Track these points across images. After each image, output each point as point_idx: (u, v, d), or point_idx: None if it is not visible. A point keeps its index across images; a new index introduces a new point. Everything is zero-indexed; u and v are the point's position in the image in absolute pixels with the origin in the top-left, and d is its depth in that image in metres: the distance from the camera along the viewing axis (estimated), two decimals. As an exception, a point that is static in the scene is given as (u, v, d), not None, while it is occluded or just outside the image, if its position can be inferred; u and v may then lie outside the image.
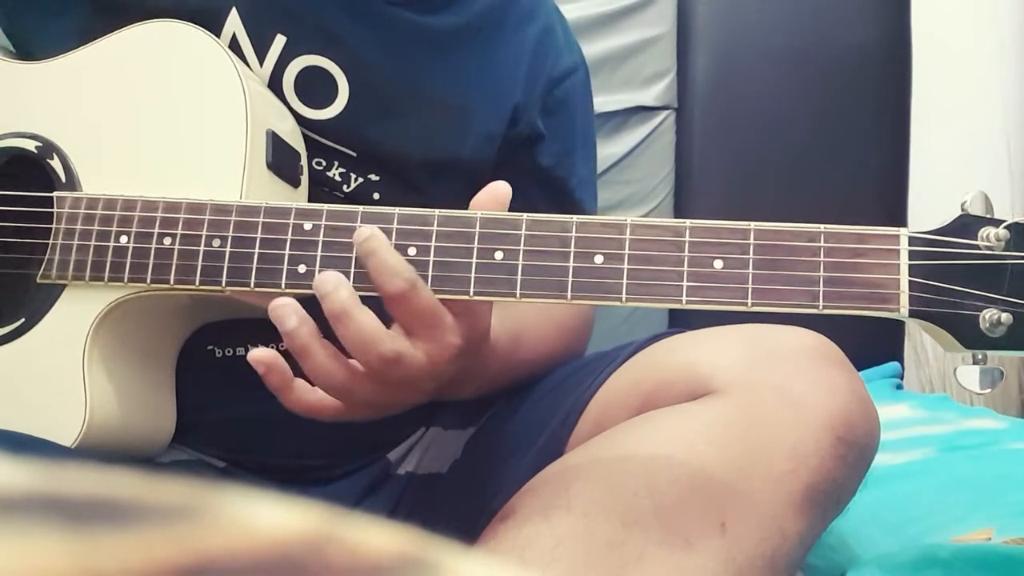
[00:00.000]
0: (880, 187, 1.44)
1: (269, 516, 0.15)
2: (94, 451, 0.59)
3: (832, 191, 1.41)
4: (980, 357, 0.52)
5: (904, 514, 0.85)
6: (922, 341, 1.53)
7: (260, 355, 0.54)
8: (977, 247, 0.51)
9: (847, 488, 0.59)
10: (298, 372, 0.55)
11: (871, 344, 1.35)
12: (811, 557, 0.64)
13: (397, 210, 0.56)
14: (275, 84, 0.68)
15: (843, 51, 1.42)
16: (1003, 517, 0.79)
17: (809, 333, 0.61)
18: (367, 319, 0.53)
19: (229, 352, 0.69)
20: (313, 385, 0.55)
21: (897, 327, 1.42)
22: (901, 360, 1.42)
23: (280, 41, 0.68)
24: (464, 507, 0.71)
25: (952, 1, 1.61)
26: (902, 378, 1.39)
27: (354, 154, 0.70)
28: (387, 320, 0.55)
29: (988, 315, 0.51)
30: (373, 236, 0.54)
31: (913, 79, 1.45)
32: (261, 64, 0.68)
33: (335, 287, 0.53)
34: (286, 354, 0.55)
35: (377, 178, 0.71)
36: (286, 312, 0.53)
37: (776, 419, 0.57)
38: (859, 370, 0.62)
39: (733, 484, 0.56)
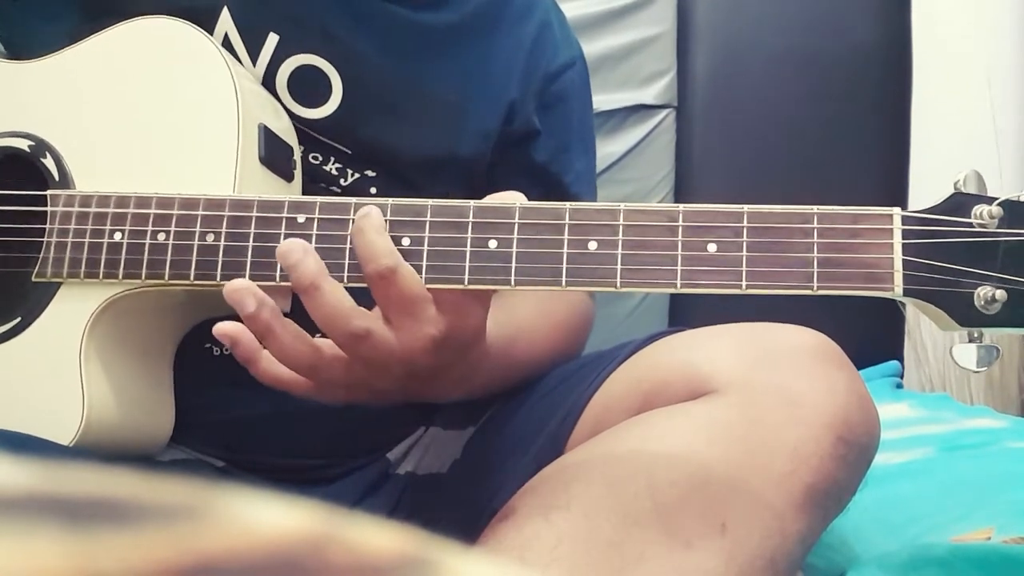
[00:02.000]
0: (881, 187, 1.44)
1: (269, 516, 0.15)
2: (93, 450, 0.59)
3: (832, 189, 1.41)
4: (976, 335, 0.52)
5: (904, 514, 0.85)
6: (922, 340, 1.53)
7: (226, 328, 0.54)
8: (971, 225, 0.51)
9: (847, 488, 0.59)
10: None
11: (871, 343, 1.35)
12: (811, 557, 0.64)
13: (391, 200, 0.56)
14: (268, 83, 0.68)
15: (843, 51, 1.42)
16: (1003, 516, 0.79)
17: (809, 332, 0.61)
18: (336, 292, 0.53)
19: (227, 350, 0.69)
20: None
21: (898, 326, 1.42)
22: (901, 359, 1.42)
23: (272, 40, 0.68)
24: (464, 507, 0.71)
25: (952, 1, 1.61)
26: (902, 377, 1.39)
27: (349, 151, 0.70)
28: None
29: (983, 292, 0.51)
30: (368, 215, 0.54)
31: (913, 79, 1.45)
32: (254, 63, 0.68)
33: (302, 256, 0.53)
34: None
35: (373, 174, 0.71)
36: (243, 295, 0.53)
37: (776, 419, 0.57)
38: (859, 369, 0.61)
39: (733, 484, 0.56)
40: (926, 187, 1.44)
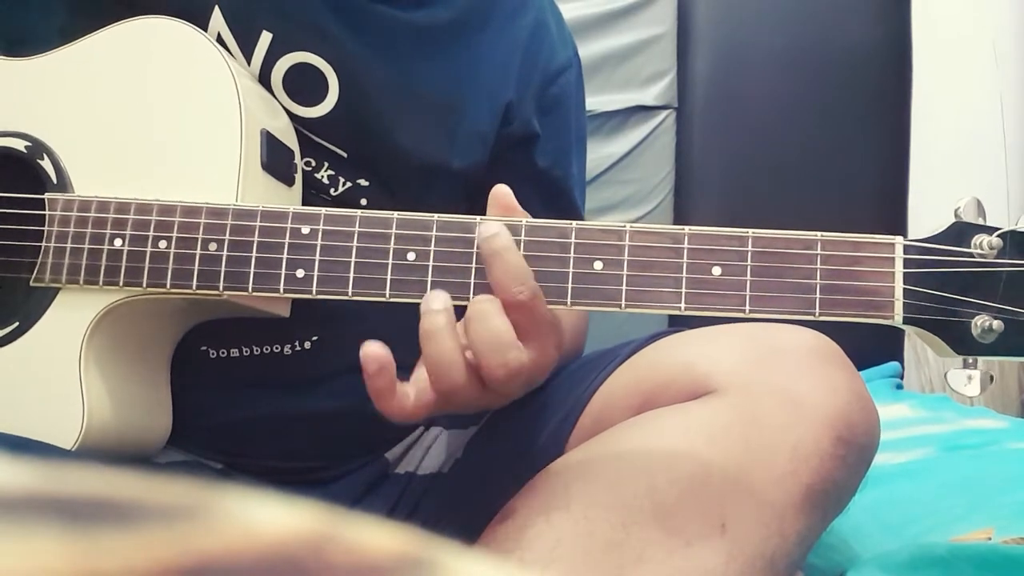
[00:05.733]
0: (880, 186, 1.44)
1: (269, 516, 0.15)
2: (93, 452, 0.59)
3: (832, 190, 1.41)
4: (971, 361, 0.53)
5: (904, 514, 0.85)
6: (922, 341, 1.53)
7: (375, 352, 0.52)
8: (971, 255, 0.52)
9: (847, 488, 0.59)
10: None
11: (871, 344, 1.35)
12: (811, 557, 0.64)
13: (396, 214, 0.56)
14: (263, 82, 0.67)
15: (843, 51, 1.42)
16: (1003, 517, 0.79)
17: (809, 332, 0.61)
18: (504, 324, 0.52)
19: (223, 353, 0.69)
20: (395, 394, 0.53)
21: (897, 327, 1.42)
22: (901, 360, 1.42)
23: (266, 38, 0.67)
24: (464, 507, 0.71)
25: (952, 2, 1.61)
26: (902, 378, 1.40)
27: (345, 154, 0.70)
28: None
29: (980, 322, 0.51)
30: (498, 235, 0.53)
31: (913, 79, 1.45)
32: (249, 63, 0.67)
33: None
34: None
35: (366, 183, 0.70)
36: (436, 296, 0.53)
37: (776, 419, 0.57)
38: (859, 370, 0.61)
39: (733, 484, 0.56)
40: (926, 184, 1.44)
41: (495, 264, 0.53)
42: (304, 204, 0.66)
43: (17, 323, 0.60)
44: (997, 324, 0.51)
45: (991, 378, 0.53)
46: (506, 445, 0.71)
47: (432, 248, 0.55)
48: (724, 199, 1.42)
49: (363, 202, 0.70)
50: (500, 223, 0.54)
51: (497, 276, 0.52)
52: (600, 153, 1.39)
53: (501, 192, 0.56)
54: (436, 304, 0.53)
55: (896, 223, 1.42)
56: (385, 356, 0.52)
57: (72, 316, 0.59)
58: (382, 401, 0.53)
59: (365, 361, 0.51)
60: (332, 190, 0.70)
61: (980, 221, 0.53)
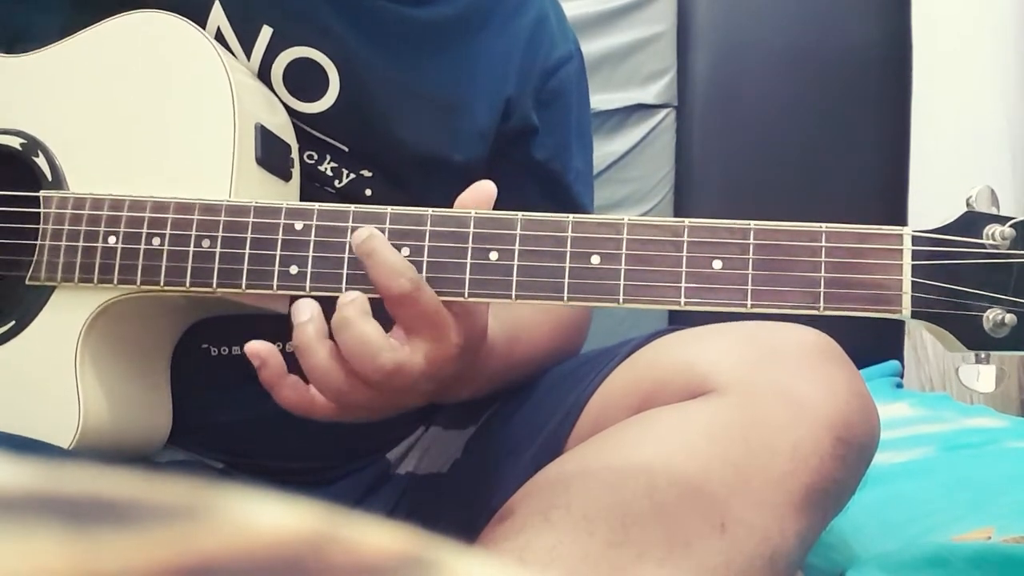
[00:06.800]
0: (880, 186, 1.44)
1: (269, 516, 0.15)
2: (92, 452, 0.59)
3: (832, 189, 1.41)
4: (983, 356, 0.51)
5: (904, 513, 0.85)
6: (922, 340, 1.53)
7: (257, 348, 0.54)
8: (982, 246, 0.50)
9: (847, 487, 0.59)
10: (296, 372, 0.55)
11: (871, 343, 1.35)
12: (811, 556, 0.64)
13: (390, 209, 0.55)
14: (264, 77, 0.67)
15: (843, 51, 1.42)
16: (1003, 516, 0.79)
17: (809, 330, 0.61)
18: (368, 328, 0.52)
19: (224, 351, 0.69)
20: (308, 384, 0.55)
21: (898, 325, 1.42)
22: (901, 359, 1.42)
23: (266, 33, 0.67)
24: (464, 507, 0.71)
25: (952, 2, 1.61)
26: (902, 376, 1.39)
27: (346, 148, 0.69)
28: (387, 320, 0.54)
29: (992, 315, 0.50)
30: (372, 236, 0.53)
31: (913, 79, 1.45)
32: (249, 57, 0.67)
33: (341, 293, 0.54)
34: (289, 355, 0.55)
35: (370, 174, 0.70)
36: (303, 307, 0.53)
37: (775, 418, 0.57)
38: (859, 369, 0.61)
39: (732, 484, 0.56)
40: (926, 184, 1.44)
41: (369, 263, 0.53)
42: (308, 197, 0.66)
43: (13, 322, 0.60)
44: (1010, 318, 0.49)
45: (1004, 373, 0.51)
46: (505, 445, 0.71)
47: (427, 243, 0.54)
48: (724, 198, 1.42)
49: (368, 193, 0.70)
50: (372, 227, 0.54)
51: (373, 274, 0.53)
52: (600, 152, 1.39)
53: (487, 188, 0.56)
54: (303, 316, 0.53)
55: (897, 223, 1.41)
56: (265, 351, 0.54)
57: (67, 315, 0.59)
58: (275, 393, 0.55)
59: (250, 358, 0.54)
60: (336, 182, 0.70)
61: (993, 210, 0.51)
